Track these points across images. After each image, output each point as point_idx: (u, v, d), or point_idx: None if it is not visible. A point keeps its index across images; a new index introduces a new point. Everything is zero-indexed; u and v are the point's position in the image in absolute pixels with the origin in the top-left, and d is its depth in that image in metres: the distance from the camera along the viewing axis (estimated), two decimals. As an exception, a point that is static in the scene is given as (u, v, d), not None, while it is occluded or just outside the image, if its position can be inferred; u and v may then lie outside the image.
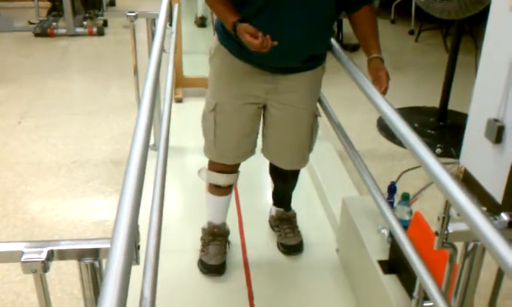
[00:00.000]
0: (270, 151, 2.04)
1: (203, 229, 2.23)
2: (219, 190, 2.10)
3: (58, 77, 4.47)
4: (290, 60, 1.80)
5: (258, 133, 2.01)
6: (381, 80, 1.67)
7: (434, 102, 3.65)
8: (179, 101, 3.76)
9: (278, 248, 2.30)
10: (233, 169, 2.07)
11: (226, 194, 2.14)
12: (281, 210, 2.35)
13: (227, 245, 2.24)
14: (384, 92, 1.64)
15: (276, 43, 1.59)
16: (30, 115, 3.74)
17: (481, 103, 2.70)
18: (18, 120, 3.64)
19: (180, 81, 3.83)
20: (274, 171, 2.19)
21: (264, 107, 1.95)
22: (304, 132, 1.98)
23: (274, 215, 2.38)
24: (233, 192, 2.24)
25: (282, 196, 2.35)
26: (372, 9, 1.84)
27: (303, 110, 1.93)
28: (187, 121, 3.42)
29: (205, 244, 2.19)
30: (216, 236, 2.19)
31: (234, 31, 1.66)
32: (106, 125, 3.59)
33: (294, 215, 2.36)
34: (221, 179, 2.06)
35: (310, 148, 2.05)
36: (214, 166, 2.05)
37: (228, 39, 1.82)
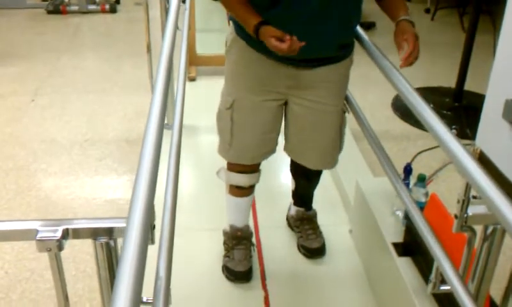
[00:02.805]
0: (295, 150, 1.90)
1: (225, 233, 2.12)
2: (240, 191, 1.97)
3: (71, 55, 4.46)
4: (319, 52, 1.65)
5: (279, 131, 1.87)
6: (405, 45, 1.49)
7: (450, 82, 3.59)
8: (192, 80, 3.74)
9: (299, 250, 2.17)
10: (254, 169, 1.93)
11: (248, 195, 2.00)
12: (302, 209, 2.20)
13: (252, 248, 2.11)
14: (411, 60, 1.48)
15: (303, 43, 1.43)
16: (43, 93, 3.74)
17: (499, 83, 2.65)
18: (31, 98, 3.64)
19: (193, 59, 3.80)
20: (296, 169, 2.06)
21: (286, 103, 1.80)
22: (332, 131, 1.82)
23: (294, 215, 2.22)
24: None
25: (303, 195, 2.21)
26: None
27: (329, 106, 1.76)
28: (201, 100, 3.40)
29: (229, 248, 2.07)
30: (240, 239, 2.07)
31: (256, 35, 1.51)
32: (119, 103, 3.59)
33: (315, 215, 2.22)
34: (242, 180, 1.92)
35: (339, 148, 1.89)
36: (233, 166, 1.91)
37: (246, 30, 1.65)
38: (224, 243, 2.11)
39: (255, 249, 2.16)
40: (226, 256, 2.08)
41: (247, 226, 2.11)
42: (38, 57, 4.36)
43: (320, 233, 2.19)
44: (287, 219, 2.30)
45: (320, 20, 1.56)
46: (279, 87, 1.73)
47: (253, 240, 2.15)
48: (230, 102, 1.77)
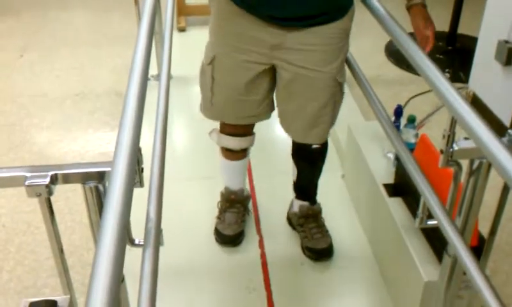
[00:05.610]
0: (281, 119, 1.77)
1: (221, 194, 2.06)
2: (232, 154, 1.90)
3: (59, 8, 4.37)
4: (299, 7, 1.48)
5: (268, 96, 1.72)
6: (428, 40, 1.53)
7: (443, 25, 3.55)
8: (182, 30, 3.69)
9: (304, 253, 1.97)
10: (245, 132, 1.84)
11: (240, 159, 1.92)
12: (306, 204, 1.99)
13: (246, 213, 2.07)
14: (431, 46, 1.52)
15: None
16: (31, 48, 3.69)
17: (491, 24, 2.62)
18: (19, 53, 3.59)
19: (182, 9, 3.74)
20: (298, 152, 1.89)
21: (275, 69, 1.66)
22: (321, 99, 1.64)
23: (297, 211, 2.01)
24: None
25: (307, 184, 1.99)
26: None
27: (318, 73, 1.59)
28: (191, 51, 3.36)
29: (222, 210, 2.04)
30: (233, 203, 2.02)
31: None
32: (109, 55, 3.54)
33: (320, 210, 2.02)
34: (233, 142, 1.84)
35: (331, 121, 1.72)
36: (224, 128, 1.84)
37: None
38: (218, 204, 2.08)
39: (250, 213, 2.12)
40: (217, 217, 2.05)
41: (242, 190, 2.04)
42: (26, 12, 4.28)
43: (327, 232, 2.00)
44: (288, 217, 2.10)
45: None
46: (261, 47, 1.56)
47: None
48: (210, 57, 1.65)
